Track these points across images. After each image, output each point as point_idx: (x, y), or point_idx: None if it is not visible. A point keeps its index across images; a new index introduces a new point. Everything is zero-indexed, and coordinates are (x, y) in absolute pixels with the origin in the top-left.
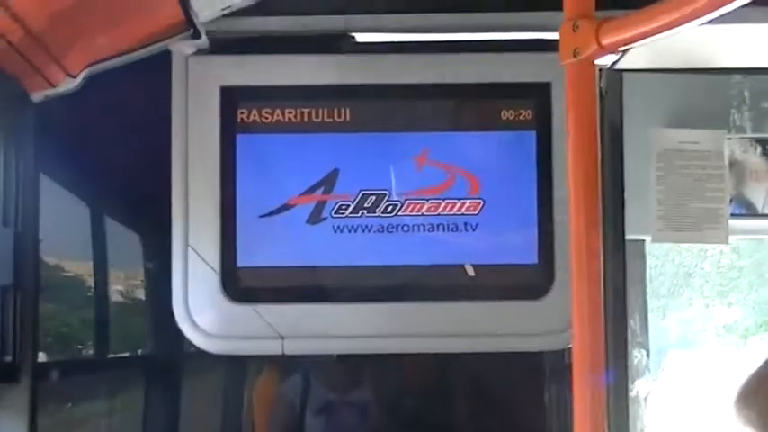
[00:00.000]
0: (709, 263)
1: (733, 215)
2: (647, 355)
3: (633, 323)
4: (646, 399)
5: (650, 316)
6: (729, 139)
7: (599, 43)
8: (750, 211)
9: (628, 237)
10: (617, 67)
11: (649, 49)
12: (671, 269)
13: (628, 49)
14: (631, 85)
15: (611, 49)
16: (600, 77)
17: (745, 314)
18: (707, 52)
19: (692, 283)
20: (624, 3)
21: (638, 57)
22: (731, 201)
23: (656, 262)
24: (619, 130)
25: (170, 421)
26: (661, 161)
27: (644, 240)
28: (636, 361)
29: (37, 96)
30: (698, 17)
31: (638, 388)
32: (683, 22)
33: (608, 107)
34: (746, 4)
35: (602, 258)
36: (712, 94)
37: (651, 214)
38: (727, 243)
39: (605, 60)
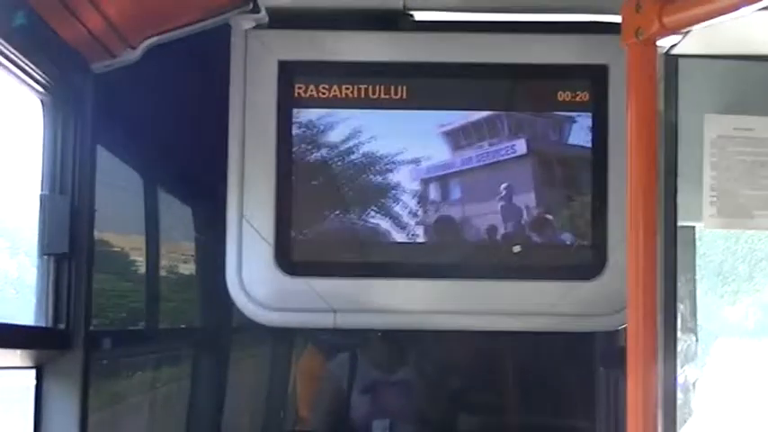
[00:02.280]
0: None
1: None
2: (696, 341)
3: (683, 308)
4: (694, 384)
5: (720, 301)
6: None
7: (661, 23)
8: None
9: (679, 223)
10: (672, 52)
11: (705, 35)
12: (743, 254)
13: (689, 31)
14: (686, 71)
15: (674, 30)
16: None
17: None
18: (762, 39)
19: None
20: None
21: (694, 42)
22: None
23: (727, 244)
24: (674, 115)
25: (219, 391)
26: (714, 147)
27: (694, 227)
28: (685, 346)
29: (98, 67)
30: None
31: (686, 373)
32: (746, 4)
33: (663, 93)
34: None
35: (657, 243)
36: (767, 81)
37: (703, 200)
38: None
39: (667, 41)
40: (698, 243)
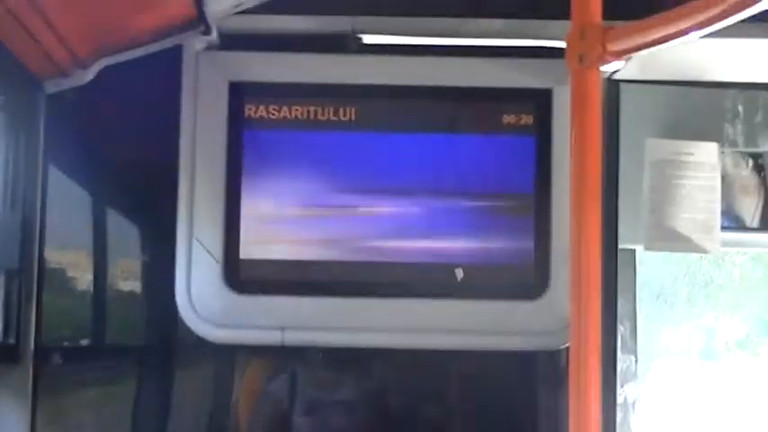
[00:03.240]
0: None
1: (723, 228)
2: (636, 362)
3: (623, 329)
4: (634, 404)
5: (662, 324)
6: (722, 152)
7: (605, 49)
8: (739, 225)
9: (620, 246)
10: (615, 77)
11: (647, 61)
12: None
13: (631, 57)
14: (628, 96)
15: (618, 56)
16: None
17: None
18: (703, 65)
19: (708, 293)
20: (628, 15)
21: (635, 68)
22: (722, 214)
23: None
24: (614, 139)
25: (167, 408)
26: (655, 170)
27: (634, 249)
28: (625, 366)
29: (50, 86)
30: (702, 28)
31: (626, 393)
32: (688, 32)
33: (605, 116)
34: (744, 20)
35: (599, 264)
36: (707, 107)
37: (643, 223)
38: (718, 253)
39: (611, 67)
40: (639, 267)
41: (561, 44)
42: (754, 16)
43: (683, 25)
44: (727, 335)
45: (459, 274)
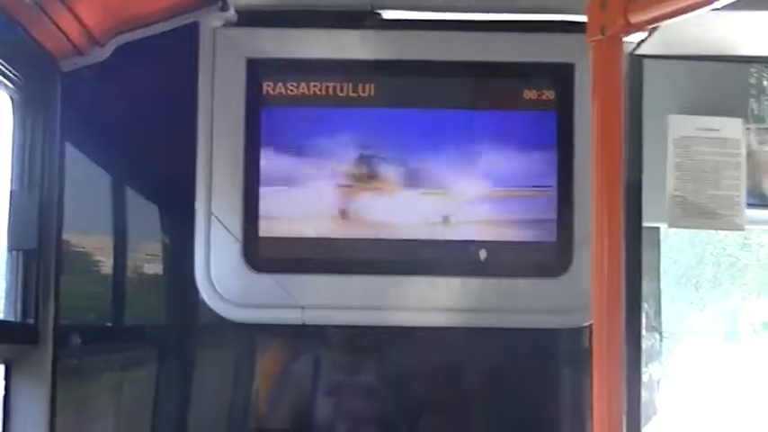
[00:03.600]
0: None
1: (748, 205)
2: (660, 340)
3: (647, 307)
4: (658, 383)
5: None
6: (747, 129)
7: (627, 20)
8: (765, 203)
9: (644, 223)
10: (638, 52)
11: (670, 35)
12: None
13: (655, 28)
14: (651, 71)
15: (639, 27)
16: None
17: None
18: (728, 40)
19: (733, 273)
20: None
21: (659, 43)
22: (747, 191)
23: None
24: (638, 115)
25: (188, 388)
26: (678, 147)
27: (659, 228)
28: (649, 345)
29: (66, 65)
30: None
31: (651, 372)
32: (711, 2)
33: (628, 93)
34: None
35: (623, 242)
36: (732, 82)
37: (667, 200)
38: (743, 230)
39: (632, 39)
40: (664, 247)
41: (583, 18)
42: None
43: None
44: (753, 316)
45: (483, 254)
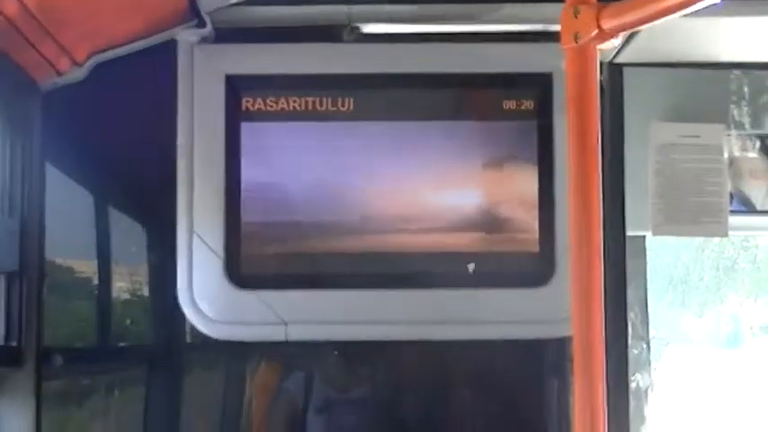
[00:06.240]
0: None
1: (732, 211)
2: (648, 349)
3: (633, 316)
4: (646, 391)
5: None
6: (729, 135)
7: (600, 27)
8: (749, 208)
9: (629, 232)
10: (617, 61)
11: (649, 43)
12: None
13: (629, 36)
14: (631, 80)
15: (613, 34)
16: (600, 71)
17: None
18: (707, 47)
19: (732, 277)
20: None
21: (638, 50)
22: (730, 197)
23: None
24: (619, 124)
25: (173, 407)
26: (660, 155)
27: (644, 236)
28: (636, 353)
29: (44, 85)
30: (696, 3)
31: (639, 380)
32: (683, 7)
33: (608, 101)
34: None
35: (602, 251)
36: (712, 88)
37: (650, 208)
38: (727, 236)
39: (606, 45)
40: (661, 251)
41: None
42: None
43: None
44: (752, 319)
45: (471, 267)
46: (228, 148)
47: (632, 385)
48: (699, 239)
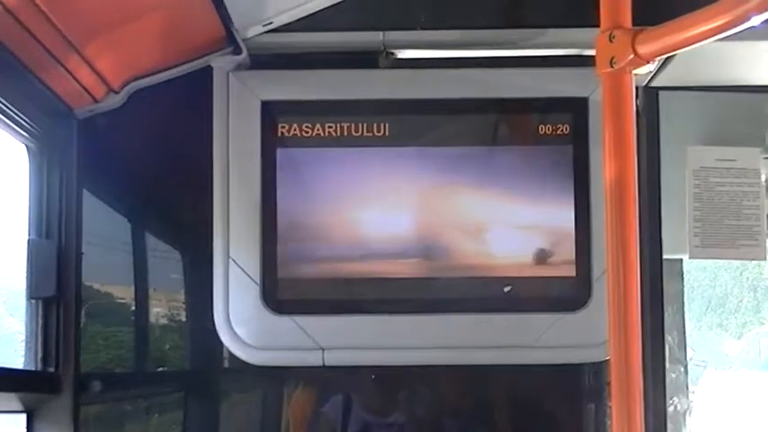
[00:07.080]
0: None
1: None
2: (686, 372)
3: (671, 339)
4: (684, 415)
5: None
6: (766, 158)
7: (635, 52)
8: None
9: (666, 256)
10: (653, 84)
11: (685, 67)
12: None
13: (665, 60)
14: (667, 104)
15: (648, 58)
16: (636, 96)
17: None
18: (742, 70)
19: None
20: (657, 20)
21: (674, 74)
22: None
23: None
24: (655, 148)
25: None
26: (697, 178)
27: (681, 259)
28: (674, 377)
29: (81, 113)
30: (731, 28)
31: (676, 403)
32: (718, 32)
33: (644, 125)
34: None
35: (638, 274)
36: (748, 112)
37: (687, 232)
38: (765, 259)
39: (642, 70)
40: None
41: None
42: None
43: (711, 25)
44: None
45: (507, 289)
46: (264, 173)
47: (670, 409)
48: (737, 261)
